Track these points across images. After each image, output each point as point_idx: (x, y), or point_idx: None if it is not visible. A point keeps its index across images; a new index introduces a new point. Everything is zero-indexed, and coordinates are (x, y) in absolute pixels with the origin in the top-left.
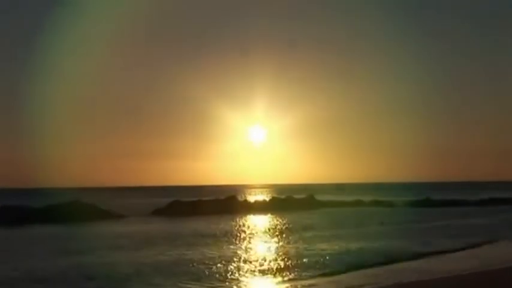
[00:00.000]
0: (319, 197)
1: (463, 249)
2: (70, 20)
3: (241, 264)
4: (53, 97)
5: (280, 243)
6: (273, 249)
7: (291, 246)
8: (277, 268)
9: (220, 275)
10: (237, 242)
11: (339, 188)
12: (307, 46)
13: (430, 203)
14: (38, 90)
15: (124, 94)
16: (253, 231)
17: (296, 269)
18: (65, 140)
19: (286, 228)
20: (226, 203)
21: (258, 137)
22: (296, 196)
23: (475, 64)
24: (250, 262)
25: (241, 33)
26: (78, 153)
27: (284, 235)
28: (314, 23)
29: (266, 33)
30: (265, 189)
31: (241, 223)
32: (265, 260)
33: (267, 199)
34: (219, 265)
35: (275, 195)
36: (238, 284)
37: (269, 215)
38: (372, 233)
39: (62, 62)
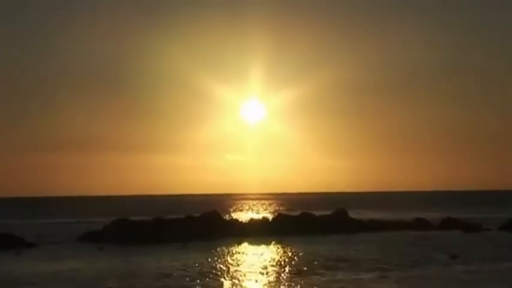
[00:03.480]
0: (354, 214)
1: None
2: None
3: None
4: None
5: None
6: None
7: None
8: None
9: None
10: None
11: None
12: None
13: None
14: None
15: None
16: (248, 273)
17: None
18: None
19: (309, 265)
20: (201, 223)
21: (254, 116)
22: (316, 213)
23: None
24: None
25: None
26: None
27: (311, 277)
28: None
29: None
30: (266, 201)
31: (224, 258)
32: None
33: (270, 217)
34: None
35: (282, 211)
36: None
37: (273, 243)
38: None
39: None
